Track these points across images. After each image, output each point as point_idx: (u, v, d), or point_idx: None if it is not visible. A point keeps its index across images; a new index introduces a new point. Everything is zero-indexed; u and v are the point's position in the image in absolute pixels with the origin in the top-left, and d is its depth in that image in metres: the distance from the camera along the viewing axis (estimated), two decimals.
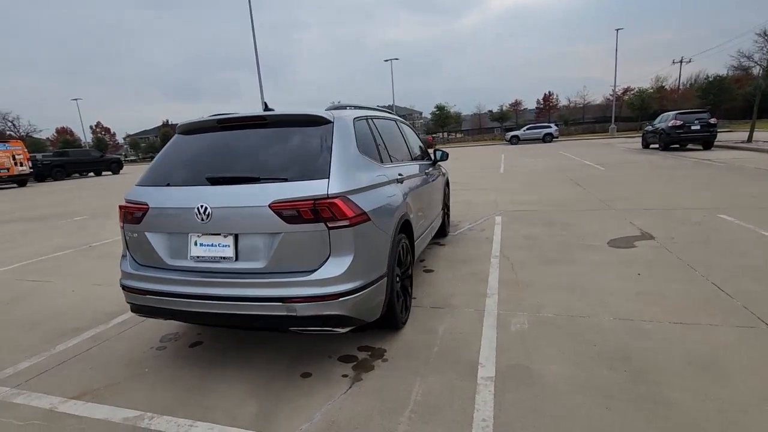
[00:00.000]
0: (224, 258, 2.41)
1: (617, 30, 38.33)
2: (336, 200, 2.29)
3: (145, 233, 2.58)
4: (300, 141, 2.57)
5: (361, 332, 3.06)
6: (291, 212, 2.26)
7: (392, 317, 2.88)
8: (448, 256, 4.90)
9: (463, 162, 19.87)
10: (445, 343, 2.86)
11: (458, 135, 65.93)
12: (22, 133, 52.47)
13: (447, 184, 5.77)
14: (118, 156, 33.83)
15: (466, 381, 2.41)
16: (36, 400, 2.46)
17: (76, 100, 51.80)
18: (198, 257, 2.46)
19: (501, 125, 60.98)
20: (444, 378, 2.45)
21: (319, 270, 2.30)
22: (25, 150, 22.87)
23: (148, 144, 67.18)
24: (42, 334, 3.36)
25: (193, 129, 2.84)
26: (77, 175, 28.32)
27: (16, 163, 21.78)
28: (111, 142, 67.68)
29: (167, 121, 69.91)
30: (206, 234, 2.43)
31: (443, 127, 59.25)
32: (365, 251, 2.44)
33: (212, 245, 2.43)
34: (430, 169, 4.76)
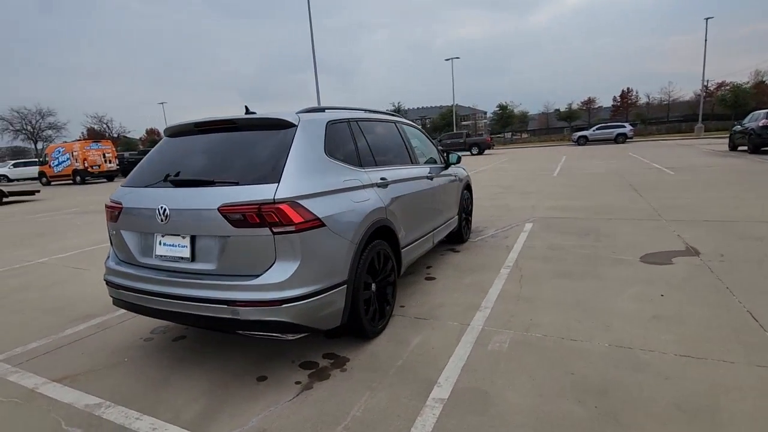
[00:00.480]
0: (182, 258, 2.48)
1: (706, 19, 34.47)
2: (282, 205, 2.26)
3: (121, 231, 2.73)
4: (261, 145, 2.58)
5: (333, 338, 3.01)
6: (237, 216, 2.27)
7: (359, 326, 2.79)
8: (458, 263, 4.68)
9: (519, 164, 19.02)
10: (412, 358, 2.72)
11: (524, 135, 63.24)
12: (115, 134, 58.99)
13: (467, 188, 5.53)
14: None
15: (415, 400, 2.26)
16: (25, 379, 2.70)
17: (162, 103, 57.04)
18: (162, 256, 2.55)
19: (569, 125, 57.55)
20: (394, 395, 2.32)
21: (263, 275, 2.29)
22: (114, 149, 25.60)
23: None
24: (58, 318, 3.70)
25: (177, 132, 2.96)
26: None
27: (105, 161, 24.45)
28: None
29: None
30: (167, 234, 2.52)
31: (505, 127, 57.17)
32: (317, 258, 2.39)
33: (173, 245, 2.51)
34: (441, 172, 4.59)
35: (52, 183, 25.16)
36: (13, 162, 32.80)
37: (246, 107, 3.00)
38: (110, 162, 24.82)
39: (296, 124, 2.62)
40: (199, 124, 2.81)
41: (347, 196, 2.70)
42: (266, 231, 2.25)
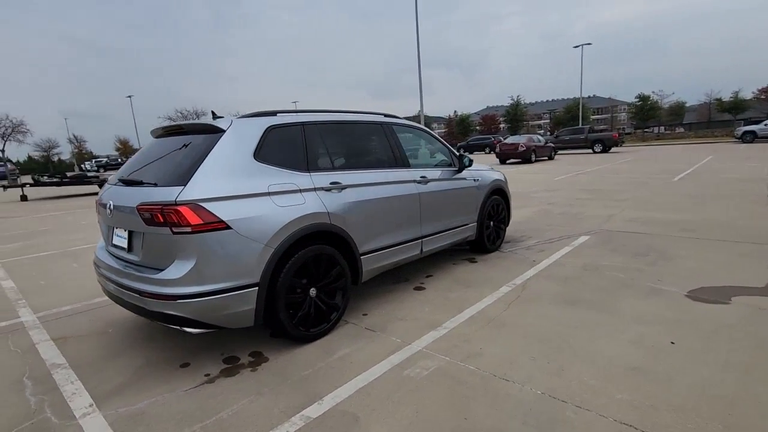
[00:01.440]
0: (123, 249, 2.80)
1: None
2: (181, 207, 2.39)
3: (99, 222, 3.19)
4: (189, 149, 2.75)
5: (275, 338, 3.08)
6: (147, 215, 2.48)
7: (281, 329, 2.81)
8: (461, 275, 4.32)
9: (640, 165, 16.47)
10: (323, 369, 2.64)
11: (679, 129, 54.05)
12: None
13: (495, 193, 5.04)
14: None
15: (285, 414, 2.21)
16: (37, 335, 3.36)
17: (294, 102, 63.32)
18: (115, 246, 2.92)
19: (734, 117, 47.38)
20: (272, 404, 2.30)
21: (164, 270, 2.46)
22: None
23: None
24: (94, 290, 4.45)
25: (156, 134, 3.32)
26: None
27: None
28: None
29: None
30: (116, 227, 2.87)
31: (646, 120, 49.65)
32: (217, 258, 2.47)
33: (120, 237, 2.85)
34: (449, 176, 4.28)
35: None
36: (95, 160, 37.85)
37: (213, 112, 3.21)
38: None
39: (224, 129, 2.74)
40: (165, 128, 3.11)
41: (269, 199, 2.72)
42: (167, 230, 2.42)
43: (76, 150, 62.30)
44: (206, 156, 2.60)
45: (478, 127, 73.52)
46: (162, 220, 2.42)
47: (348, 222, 3.16)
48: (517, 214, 7.44)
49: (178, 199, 2.41)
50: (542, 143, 23.76)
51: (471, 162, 4.53)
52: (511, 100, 55.89)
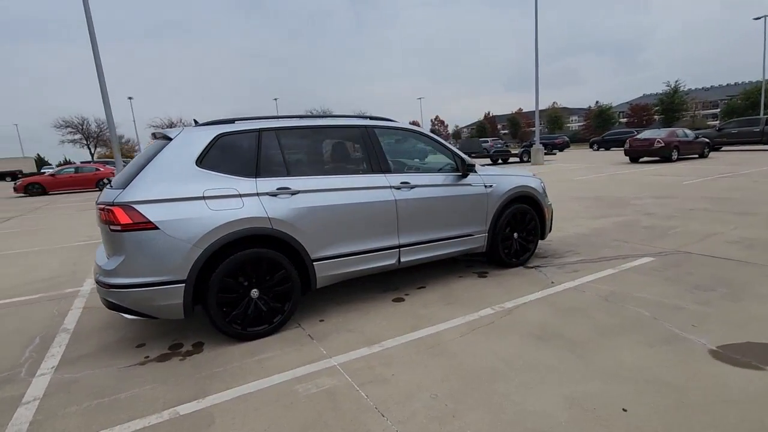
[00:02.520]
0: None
1: None
2: (115, 208, 2.72)
3: None
4: (144, 155, 3.07)
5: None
6: (99, 213, 2.87)
7: (213, 325, 2.99)
8: (455, 290, 3.95)
9: None
10: (234, 370, 2.73)
11: None
12: None
13: (516, 200, 4.44)
14: None
15: (168, 407, 2.37)
16: (77, 303, 4.15)
17: (420, 98, 64.29)
18: None
19: None
20: (164, 394, 2.48)
21: (107, 262, 2.83)
22: None
23: (469, 134, 75.45)
24: None
25: (151, 140, 3.78)
26: None
27: None
28: (443, 133, 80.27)
29: (488, 113, 75.99)
30: None
31: None
32: (144, 255, 2.74)
33: None
34: (443, 181, 3.95)
35: None
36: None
37: (195, 120, 3.53)
38: None
39: (172, 138, 2.99)
40: (153, 134, 3.54)
41: (203, 203, 2.89)
42: (107, 227, 2.77)
43: None
44: (149, 162, 2.89)
45: (624, 120, 64.68)
46: (105, 218, 2.79)
47: (297, 227, 3.17)
48: (590, 223, 6.44)
49: (114, 201, 2.75)
50: (690, 138, 19.80)
51: (471, 167, 4.08)
52: (667, 86, 47.32)
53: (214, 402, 2.37)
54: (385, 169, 3.69)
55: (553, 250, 5.16)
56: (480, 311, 3.43)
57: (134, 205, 2.74)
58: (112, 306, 2.84)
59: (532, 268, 4.51)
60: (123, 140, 58.10)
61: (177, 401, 2.40)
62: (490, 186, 4.25)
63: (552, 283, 4.00)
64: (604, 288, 3.78)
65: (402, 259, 3.76)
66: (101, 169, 19.89)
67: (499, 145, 29.48)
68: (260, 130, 3.28)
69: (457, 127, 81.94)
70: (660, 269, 4.18)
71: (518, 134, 68.36)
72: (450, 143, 4.13)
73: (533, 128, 26.19)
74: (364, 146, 3.67)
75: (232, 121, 3.28)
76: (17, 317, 3.87)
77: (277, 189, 3.16)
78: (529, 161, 22.84)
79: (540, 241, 4.92)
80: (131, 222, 2.72)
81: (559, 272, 4.30)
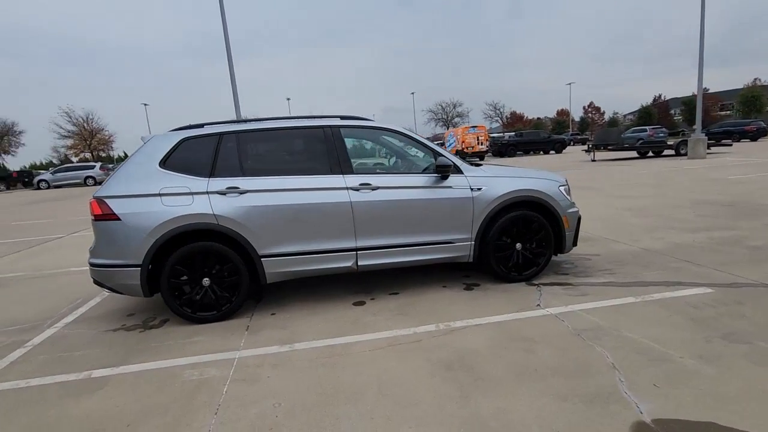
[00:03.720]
0: None
1: None
2: (92, 201, 3.32)
3: None
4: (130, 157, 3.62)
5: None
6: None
7: (168, 305, 3.42)
8: (424, 302, 3.67)
9: None
10: (146, 348, 3.10)
11: None
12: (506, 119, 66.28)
13: (517, 205, 3.86)
14: (562, 137, 36.31)
15: (84, 371, 2.86)
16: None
17: (569, 84, 58.23)
18: None
19: None
20: (95, 360, 2.98)
21: (92, 245, 3.47)
22: (486, 133, 29.73)
23: (631, 121, 65.12)
24: None
25: None
26: (532, 152, 33.08)
27: (478, 143, 28.91)
28: (598, 122, 70.98)
29: (659, 96, 64.48)
30: None
31: None
32: (109, 241, 3.29)
33: None
34: (424, 183, 3.70)
35: None
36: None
37: (189, 125, 4.01)
38: (482, 144, 29.10)
39: (144, 141, 3.48)
40: (142, 138, 4.12)
41: (158, 199, 3.30)
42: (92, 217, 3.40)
43: None
44: (124, 163, 3.44)
45: None
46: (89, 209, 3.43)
47: (243, 224, 3.38)
48: (677, 237, 5.18)
49: (94, 195, 3.36)
50: None
51: (447, 167, 3.67)
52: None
53: (120, 372, 2.76)
54: (345, 170, 3.63)
55: (587, 266, 4.32)
56: (421, 327, 3.16)
57: (105, 199, 3.31)
58: (94, 281, 3.49)
59: (534, 285, 3.88)
60: None
61: (100, 365, 2.86)
62: (478, 189, 3.79)
63: (537, 305, 3.40)
64: (592, 320, 3.07)
65: (360, 263, 3.66)
66: None
67: (661, 134, 25.56)
68: (221, 134, 3.57)
69: (616, 114, 71.62)
70: (701, 306, 3.18)
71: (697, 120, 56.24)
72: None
73: (722, 112, 21.39)
74: (326, 147, 3.66)
75: (201, 125, 3.65)
76: (82, 281, 4.96)
77: (227, 188, 3.42)
78: (686, 154, 18.84)
79: (570, 254, 4.18)
80: (101, 213, 3.29)
81: (561, 294, 3.61)
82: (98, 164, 31.92)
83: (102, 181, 26.37)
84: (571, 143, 45.39)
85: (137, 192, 3.35)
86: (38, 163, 55.31)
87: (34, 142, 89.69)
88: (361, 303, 3.73)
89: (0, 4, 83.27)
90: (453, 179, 3.77)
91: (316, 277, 3.90)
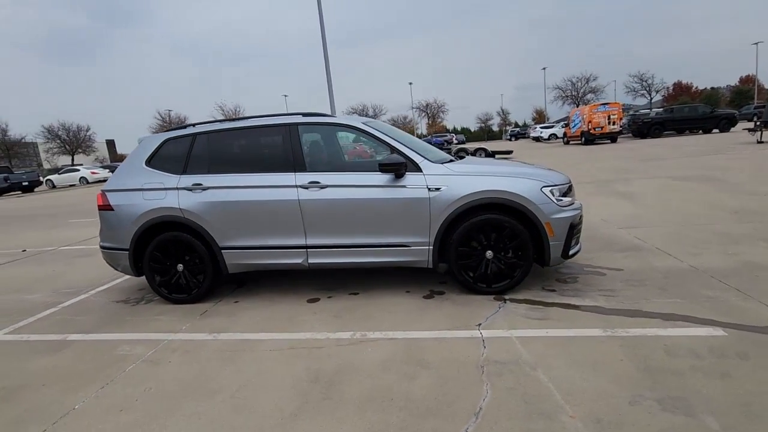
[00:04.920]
0: None
1: None
2: (98, 194, 3.99)
3: None
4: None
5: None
6: None
7: (150, 285, 3.96)
8: (365, 305, 3.54)
9: None
10: (134, 321, 3.63)
11: None
12: (656, 90, 54.48)
13: (485, 207, 3.39)
14: (731, 113, 28.44)
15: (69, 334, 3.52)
16: None
17: (755, 44, 46.26)
18: None
19: None
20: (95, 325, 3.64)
21: None
22: (620, 110, 25.64)
23: None
24: None
25: None
26: (688, 132, 27.41)
27: (609, 122, 25.20)
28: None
29: None
30: None
31: None
32: (108, 228, 3.94)
33: None
34: (377, 183, 3.51)
35: (571, 143, 29.04)
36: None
37: (186, 125, 4.46)
38: (614, 124, 25.29)
39: (139, 142, 4.02)
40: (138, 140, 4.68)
41: (140, 194, 3.80)
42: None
43: (502, 121, 73.83)
44: (123, 161, 4.03)
45: None
46: None
47: (204, 218, 3.69)
48: (757, 252, 3.95)
49: (102, 189, 4.03)
50: None
51: (399, 165, 3.37)
52: None
53: (84, 338, 3.34)
54: (298, 168, 3.65)
55: (591, 282, 3.59)
56: (338, 333, 3.07)
57: (106, 192, 3.95)
58: (105, 260, 4.21)
59: (501, 300, 3.40)
60: (393, 120, 67.54)
61: (78, 330, 3.50)
62: (436, 189, 3.43)
63: (477, 325, 2.99)
64: (518, 351, 2.59)
65: (310, 261, 3.68)
66: (357, 148, 24.73)
67: None
68: (195, 134, 3.91)
69: None
70: (683, 353, 2.42)
71: None
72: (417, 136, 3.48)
73: None
74: (284, 144, 3.72)
75: (185, 126, 4.04)
76: None
77: (192, 184, 3.76)
78: None
79: (586, 265, 3.57)
80: (101, 204, 3.95)
81: (519, 315, 3.10)
82: None
83: None
84: (754, 119, 35.72)
85: (126, 187, 3.92)
86: None
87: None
88: (315, 300, 3.76)
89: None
90: (410, 178, 3.48)
91: (292, 270, 4.06)
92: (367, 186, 3.54)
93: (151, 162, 3.95)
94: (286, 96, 59.65)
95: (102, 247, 4.10)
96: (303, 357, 2.77)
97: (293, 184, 3.61)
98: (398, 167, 3.41)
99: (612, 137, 25.75)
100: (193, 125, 4.02)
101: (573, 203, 3.59)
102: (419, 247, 3.53)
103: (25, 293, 4.65)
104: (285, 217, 3.62)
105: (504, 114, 73.92)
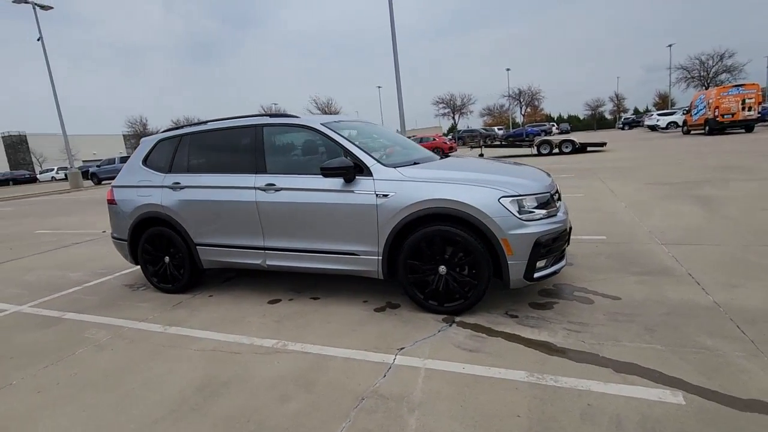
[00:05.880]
0: None
1: None
2: (108, 190, 4.46)
3: None
4: None
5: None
6: None
7: (145, 276, 4.33)
8: (314, 312, 3.43)
9: None
10: (124, 304, 4.02)
11: None
12: None
13: (435, 217, 3.04)
14: None
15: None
16: None
17: None
18: None
19: None
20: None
21: None
22: (758, 93, 21.11)
23: None
24: None
25: None
26: None
27: (743, 108, 20.98)
28: None
29: None
30: None
31: None
32: (114, 220, 4.38)
33: None
34: (328, 186, 3.37)
35: (691, 132, 24.83)
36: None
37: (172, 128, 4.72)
38: (749, 109, 20.97)
39: (140, 143, 4.38)
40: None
41: (135, 190, 4.14)
42: None
43: (615, 107, 65.72)
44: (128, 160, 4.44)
45: None
46: None
47: (180, 215, 3.91)
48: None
49: (111, 184, 4.50)
50: None
51: (348, 168, 3.15)
52: None
53: (75, 318, 3.77)
54: (259, 169, 3.65)
55: (566, 312, 3.04)
56: (265, 340, 3.03)
57: (113, 188, 4.41)
58: (115, 248, 4.71)
59: (448, 322, 3.04)
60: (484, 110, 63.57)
61: (77, 310, 3.95)
62: (384, 195, 3.16)
63: (400, 348, 2.72)
64: (416, 387, 2.29)
65: (268, 262, 3.68)
66: (436, 139, 24.20)
67: None
68: (181, 135, 4.13)
69: None
70: (605, 422, 1.92)
71: None
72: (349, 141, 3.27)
73: None
74: (249, 146, 3.74)
75: (180, 127, 4.29)
76: None
77: (172, 183, 3.99)
78: None
79: (581, 291, 3.07)
80: (109, 198, 4.40)
81: (452, 342, 2.75)
82: None
83: None
84: None
85: (126, 184, 4.32)
86: None
87: None
88: (277, 301, 3.77)
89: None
90: (361, 182, 3.27)
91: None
92: (319, 190, 3.40)
93: (146, 161, 4.30)
94: (380, 87, 60.73)
95: (112, 237, 4.59)
96: (215, 361, 2.79)
97: (252, 185, 3.63)
98: (340, 171, 3.21)
99: (747, 125, 21.49)
100: (182, 127, 4.27)
101: (553, 216, 3.05)
102: (369, 257, 3.31)
103: (71, 271, 5.43)
104: (245, 217, 3.67)
105: (618, 99, 65.73)
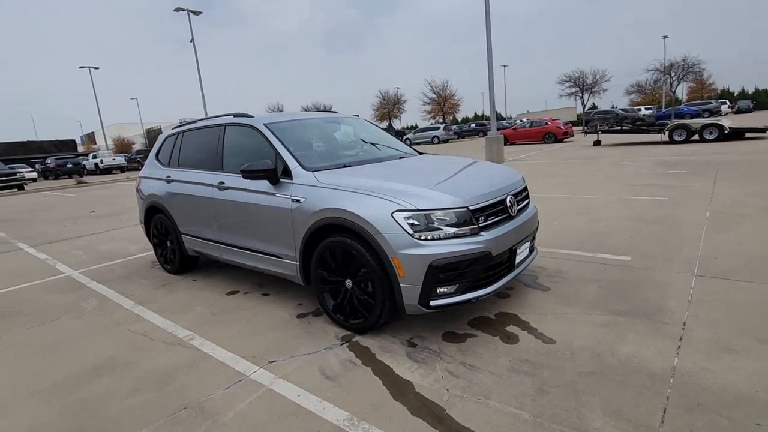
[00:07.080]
0: None
1: None
2: (138, 179, 5.18)
3: None
4: None
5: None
6: None
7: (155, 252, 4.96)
8: (242, 313, 3.52)
9: None
10: (136, 288, 4.68)
11: None
12: None
13: (326, 227, 2.85)
14: None
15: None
16: None
17: None
18: None
19: None
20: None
21: None
22: None
23: None
24: None
25: None
26: None
27: None
28: None
29: None
30: None
31: None
32: (139, 205, 5.09)
33: None
34: (258, 187, 3.41)
35: None
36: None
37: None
38: None
39: (157, 139, 4.95)
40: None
41: (147, 181, 4.72)
42: None
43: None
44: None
45: None
46: None
47: (169, 205, 4.36)
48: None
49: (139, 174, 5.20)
50: None
51: (270, 171, 3.11)
52: None
53: (91, 287, 4.53)
54: (219, 167, 3.84)
55: (481, 352, 2.59)
56: (183, 331, 3.23)
57: (141, 177, 5.09)
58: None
59: (346, 340, 2.84)
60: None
61: (99, 280, 4.72)
62: (298, 200, 3.05)
63: (271, 362, 2.66)
64: (240, 404, 2.23)
65: (224, 256, 3.88)
66: (549, 123, 21.85)
67: None
68: (178, 133, 4.55)
69: None
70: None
71: None
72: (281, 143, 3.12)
73: None
74: (215, 144, 3.94)
75: (183, 124, 4.73)
76: None
77: (166, 177, 4.45)
78: None
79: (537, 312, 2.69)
80: (137, 187, 5.10)
81: (331, 364, 2.58)
82: (442, 125, 37.58)
83: (445, 140, 31.03)
84: None
85: (145, 175, 4.94)
86: (410, 125, 69.25)
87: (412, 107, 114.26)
88: (234, 293, 3.95)
89: None
90: (283, 186, 3.21)
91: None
92: (253, 191, 3.44)
93: (157, 156, 4.85)
94: (505, 66, 57.22)
95: (141, 222, 5.33)
96: (130, 345, 3.08)
97: (211, 182, 3.84)
98: (258, 174, 3.18)
99: None
100: (186, 123, 4.70)
101: (471, 236, 2.60)
102: (289, 261, 3.26)
103: (132, 244, 6.46)
104: (207, 212, 3.92)
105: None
